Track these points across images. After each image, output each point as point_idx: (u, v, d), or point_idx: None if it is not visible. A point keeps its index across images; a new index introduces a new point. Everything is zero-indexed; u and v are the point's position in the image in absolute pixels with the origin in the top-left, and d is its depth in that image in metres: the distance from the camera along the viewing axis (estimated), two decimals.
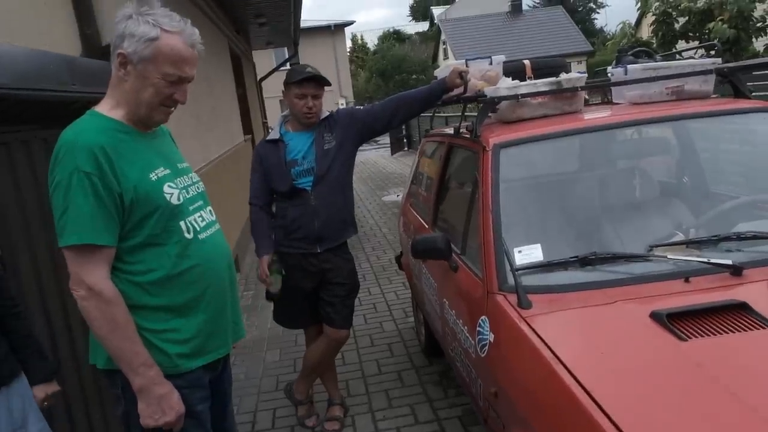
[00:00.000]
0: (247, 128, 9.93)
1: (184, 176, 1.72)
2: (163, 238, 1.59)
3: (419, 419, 3.09)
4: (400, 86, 33.65)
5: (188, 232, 1.63)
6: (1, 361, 1.71)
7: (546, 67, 2.96)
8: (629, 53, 2.81)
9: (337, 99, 28.24)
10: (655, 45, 10.00)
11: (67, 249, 1.50)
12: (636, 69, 2.50)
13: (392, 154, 18.25)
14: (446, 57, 31.74)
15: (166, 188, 1.61)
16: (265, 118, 14.25)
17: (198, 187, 1.77)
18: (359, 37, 45.78)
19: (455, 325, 2.32)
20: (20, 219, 2.37)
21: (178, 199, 1.63)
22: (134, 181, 1.54)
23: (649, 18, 10.84)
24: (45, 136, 2.63)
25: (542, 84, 2.43)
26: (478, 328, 1.98)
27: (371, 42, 46.02)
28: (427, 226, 3.19)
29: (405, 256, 3.90)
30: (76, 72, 2.63)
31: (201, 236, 1.67)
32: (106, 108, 1.62)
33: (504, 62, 2.85)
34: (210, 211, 1.77)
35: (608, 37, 35.23)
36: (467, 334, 2.12)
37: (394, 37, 43.69)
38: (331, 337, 2.93)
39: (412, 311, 4.34)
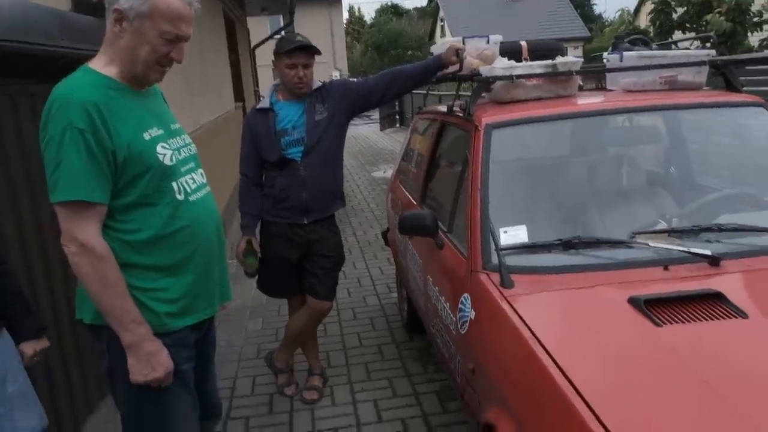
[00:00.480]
0: (239, 95, 9.81)
1: (177, 137, 1.72)
2: (155, 198, 1.59)
3: (397, 392, 3.13)
4: (396, 61, 33.30)
5: (179, 194, 1.64)
6: None
7: (543, 49, 2.95)
8: (626, 40, 2.80)
9: (331, 71, 27.94)
10: (652, 34, 10.00)
11: (59, 205, 1.50)
12: (631, 56, 2.50)
13: (381, 130, 18.15)
14: (443, 34, 31.42)
15: (159, 148, 1.61)
16: (257, 86, 14.08)
17: (190, 149, 1.76)
18: (356, 10, 45.34)
19: (438, 301, 2.34)
20: (3, 175, 2.34)
21: (171, 160, 1.63)
22: (127, 139, 1.54)
23: (648, 7, 10.81)
24: (32, 91, 2.59)
25: (538, 66, 2.43)
26: (459, 305, 2.00)
27: (368, 15, 45.48)
28: (415, 203, 3.19)
29: (391, 232, 3.91)
30: (65, 27, 2.58)
31: (192, 198, 1.67)
32: (99, 65, 1.60)
33: (501, 42, 2.83)
34: (201, 173, 1.77)
35: (606, 23, 35.09)
36: (449, 311, 2.15)
37: (391, 11, 43.10)
38: (313, 308, 2.95)
39: (396, 287, 4.37)
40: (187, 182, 1.68)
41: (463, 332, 1.94)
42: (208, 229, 1.72)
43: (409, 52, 34.42)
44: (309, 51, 2.72)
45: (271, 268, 2.90)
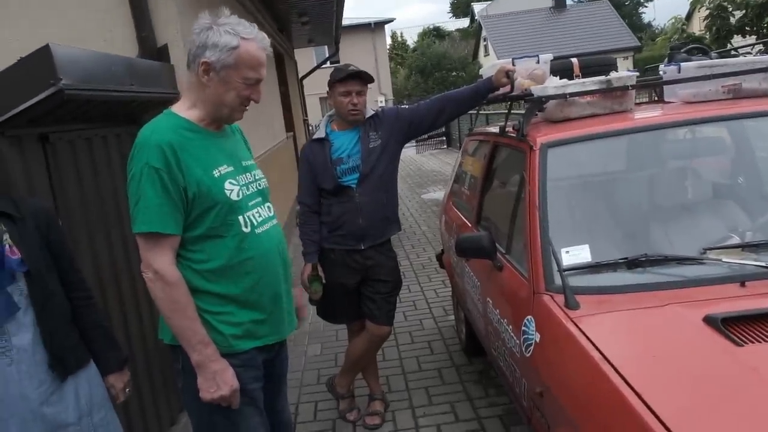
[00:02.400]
0: (289, 125, 10.07)
1: (247, 173, 1.82)
2: (222, 230, 1.70)
3: (459, 417, 3.10)
4: (440, 83, 33.48)
5: (246, 226, 1.73)
6: (71, 350, 1.80)
7: (595, 66, 2.93)
8: (682, 50, 2.75)
9: (376, 97, 28.32)
10: (708, 40, 9.69)
11: (138, 235, 1.65)
12: (690, 67, 2.45)
13: (417, 153, 18.30)
14: (487, 54, 31.45)
15: (227, 185, 1.71)
16: (306, 116, 14.42)
17: (259, 184, 1.86)
18: (399, 35, 45.81)
19: (499, 324, 2.32)
20: (83, 212, 2.49)
21: (238, 195, 1.73)
22: (198, 177, 1.66)
23: (702, 12, 10.50)
24: (104, 133, 2.76)
25: (591, 83, 2.41)
26: (523, 328, 1.98)
27: (411, 39, 45.99)
28: (470, 225, 3.19)
29: (446, 254, 3.91)
30: (134, 72, 2.75)
31: (258, 230, 1.76)
32: (182, 108, 1.74)
33: (551, 61, 2.83)
34: (269, 207, 1.87)
35: (656, 32, 34.27)
36: (512, 334, 2.12)
37: (434, 34, 43.49)
38: (373, 333, 2.97)
39: (453, 309, 4.35)
40: (253, 215, 1.77)
41: (528, 355, 1.92)
42: (273, 260, 1.80)
43: (453, 74, 34.57)
44: (362, 78, 2.79)
45: (330, 295, 2.94)
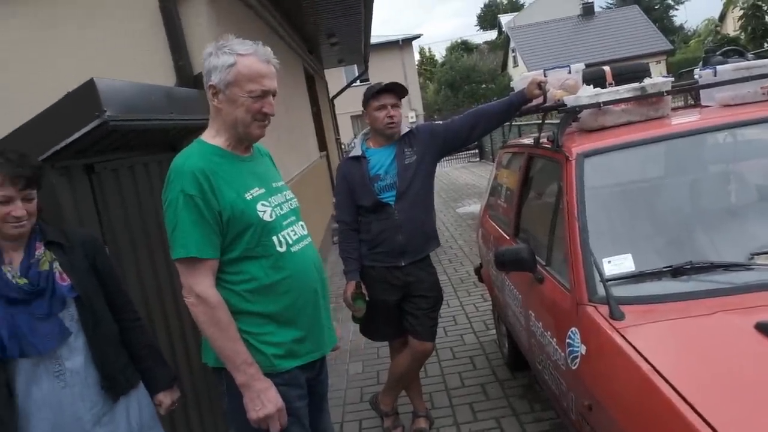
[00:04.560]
0: (322, 145, 10.21)
1: (278, 194, 1.85)
2: (258, 251, 1.73)
3: None
4: (469, 96, 33.46)
5: (281, 246, 1.76)
6: (121, 371, 1.86)
7: (627, 73, 2.90)
8: (717, 53, 2.70)
9: (406, 112, 28.46)
10: (743, 41, 9.47)
11: (177, 261, 1.70)
12: (726, 69, 2.41)
13: (449, 167, 18.22)
14: (516, 65, 31.33)
15: (259, 206, 1.75)
16: (338, 135, 14.59)
17: (291, 204, 1.89)
18: (427, 50, 46.03)
19: (542, 337, 2.29)
20: (127, 237, 2.58)
21: (271, 216, 1.76)
22: (231, 200, 1.70)
23: (736, 12, 10.27)
24: (146, 161, 2.86)
25: (625, 90, 2.38)
26: (567, 340, 1.95)
27: (439, 54, 46.14)
28: (507, 238, 3.17)
29: (485, 268, 3.88)
30: (172, 101, 2.84)
31: (293, 249, 1.79)
32: (208, 136, 1.80)
33: (583, 70, 2.81)
34: (302, 225, 1.90)
35: (689, 34, 33.59)
36: (556, 347, 2.09)
37: (461, 47, 43.57)
38: (416, 350, 2.96)
39: (494, 324, 4.30)
40: (288, 235, 1.80)
41: (574, 368, 1.89)
42: (309, 277, 1.83)
43: (483, 86, 34.51)
44: (395, 91, 2.82)
45: (372, 312, 2.95)
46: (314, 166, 8.19)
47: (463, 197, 11.82)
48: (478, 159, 19.23)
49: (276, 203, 1.81)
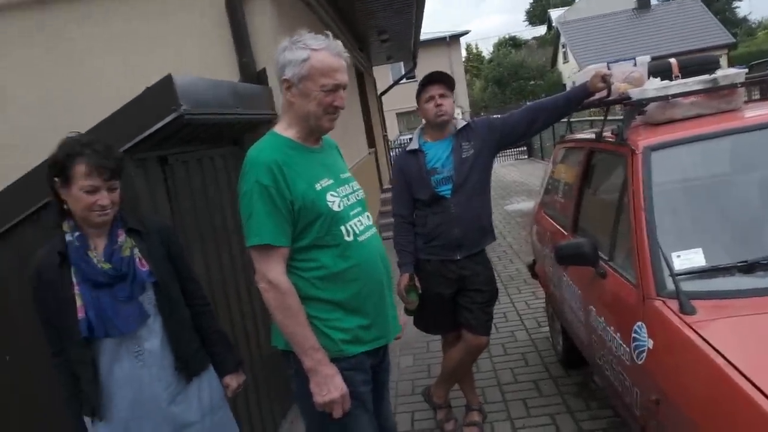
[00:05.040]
0: (371, 142, 10.28)
1: (346, 185, 1.90)
2: (327, 240, 1.78)
3: (561, 430, 3.03)
4: (517, 93, 32.99)
5: (348, 236, 1.81)
6: (194, 354, 1.95)
7: (694, 65, 2.82)
8: None
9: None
10: None
11: (252, 249, 1.76)
12: None
13: (498, 164, 17.97)
14: (566, 61, 30.69)
15: (328, 197, 1.80)
16: (386, 131, 14.64)
17: (358, 195, 1.94)
18: (474, 47, 45.65)
19: (604, 332, 2.27)
20: (196, 226, 2.69)
21: (339, 206, 1.81)
22: (302, 191, 1.75)
23: None
24: (212, 154, 2.96)
25: (695, 82, 2.32)
26: (633, 335, 1.93)
27: (486, 50, 45.66)
28: (565, 233, 3.14)
29: (539, 264, 3.85)
30: (238, 96, 2.94)
31: (360, 239, 1.84)
32: (281, 128, 1.86)
33: (648, 62, 2.75)
34: (368, 216, 1.94)
35: (753, 26, 32.12)
36: (620, 341, 2.07)
37: (510, 43, 42.97)
38: (470, 343, 2.97)
39: (547, 320, 4.26)
40: (355, 225, 1.84)
41: (640, 363, 1.87)
42: (375, 266, 1.87)
43: (531, 82, 33.94)
44: (442, 81, 2.84)
45: (427, 305, 2.97)
46: (363, 162, 8.26)
47: (511, 194, 11.70)
48: (526, 156, 18.97)
49: (344, 194, 1.86)
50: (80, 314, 1.74)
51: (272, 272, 1.73)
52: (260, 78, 3.37)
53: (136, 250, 1.85)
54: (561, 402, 3.31)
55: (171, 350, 1.89)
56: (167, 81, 2.15)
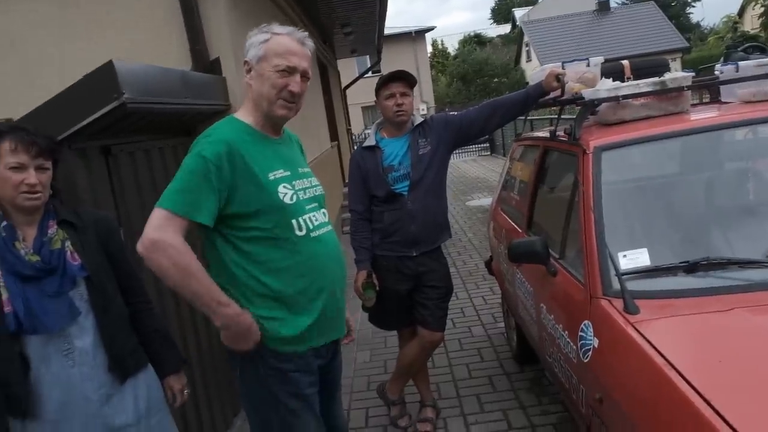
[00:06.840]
0: (333, 135, 10.19)
1: (304, 179, 1.85)
2: (276, 232, 1.72)
3: (513, 425, 3.06)
4: (481, 90, 33.25)
5: (300, 230, 1.76)
6: (130, 353, 1.86)
7: (646, 68, 2.87)
8: (739, 49, 2.67)
9: (417, 104, 28.35)
10: (763, 38, 9.35)
11: (159, 209, 1.64)
12: (748, 66, 2.38)
13: (460, 159, 18.10)
14: (529, 59, 31.11)
15: (280, 188, 1.74)
16: (350, 125, 14.56)
17: (316, 191, 1.89)
18: (439, 42, 45.75)
19: (554, 330, 2.29)
20: (142, 220, 2.59)
21: (291, 199, 1.76)
22: (252, 178, 1.69)
23: (756, 9, 10.14)
24: (161, 145, 2.87)
25: (645, 84, 2.36)
26: (580, 333, 1.95)
27: (452, 47, 45.85)
28: (520, 231, 3.16)
29: (495, 261, 3.87)
30: (188, 85, 2.85)
31: (313, 234, 1.79)
32: (240, 114, 1.82)
33: (601, 63, 2.78)
34: (324, 213, 1.89)
35: (705, 32, 33.17)
36: (568, 339, 2.09)
37: (474, 41, 43.26)
38: (425, 339, 2.96)
39: (503, 317, 4.30)
40: (309, 220, 1.79)
41: (585, 361, 1.88)
42: (327, 263, 1.82)
43: (495, 80, 34.27)
44: (403, 79, 2.81)
45: (382, 301, 2.94)
46: (325, 156, 8.18)
47: (473, 190, 11.79)
48: (488, 153, 19.17)
49: (300, 187, 1.81)
50: (6, 308, 1.65)
51: (169, 235, 1.58)
52: (214, 67, 3.27)
53: (68, 243, 1.76)
54: (514, 397, 3.34)
55: (104, 349, 1.79)
56: (108, 67, 2.05)
